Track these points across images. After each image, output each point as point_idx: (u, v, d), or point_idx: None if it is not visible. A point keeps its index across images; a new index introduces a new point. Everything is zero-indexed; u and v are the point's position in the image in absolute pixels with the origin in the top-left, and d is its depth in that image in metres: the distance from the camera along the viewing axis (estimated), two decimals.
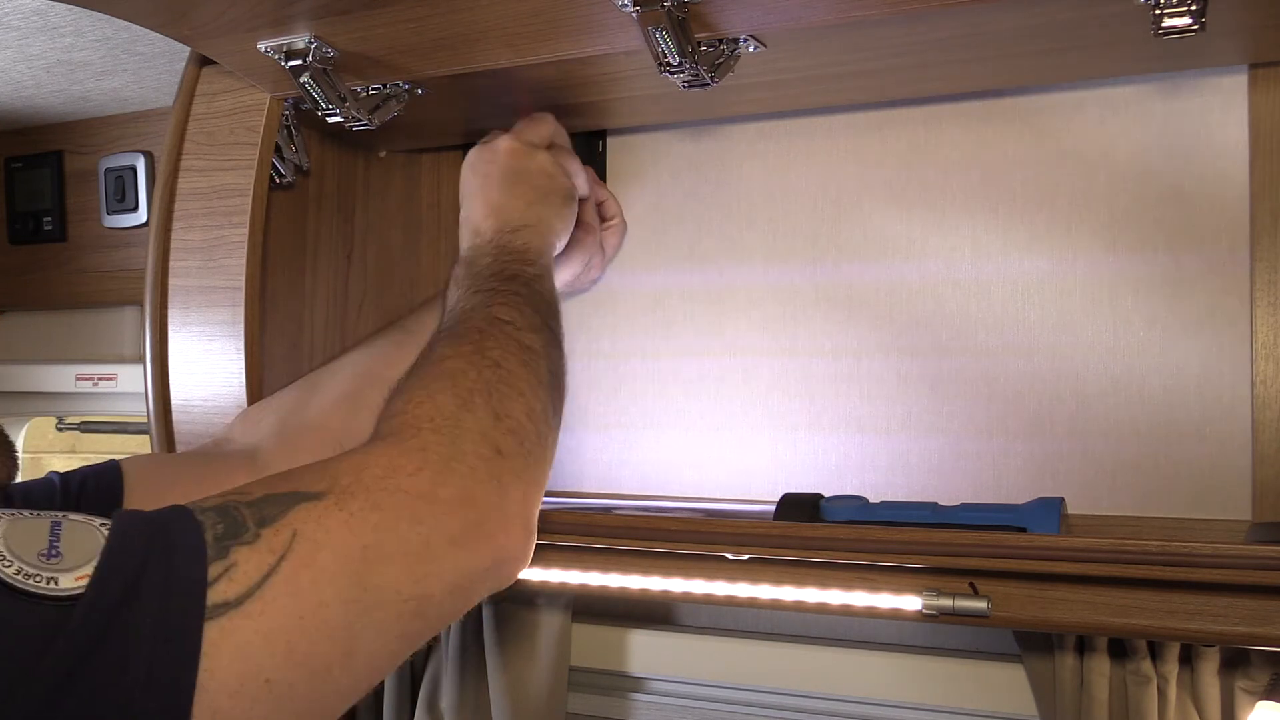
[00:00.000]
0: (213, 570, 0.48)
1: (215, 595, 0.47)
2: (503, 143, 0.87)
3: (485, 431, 0.63)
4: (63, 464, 1.13)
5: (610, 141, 1.04)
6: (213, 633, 0.47)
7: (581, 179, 0.91)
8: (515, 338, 0.72)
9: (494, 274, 0.78)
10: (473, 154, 0.88)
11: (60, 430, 1.57)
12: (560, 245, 0.89)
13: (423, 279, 1.14)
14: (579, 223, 0.94)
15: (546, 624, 1.00)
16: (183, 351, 0.92)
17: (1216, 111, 0.83)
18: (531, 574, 0.87)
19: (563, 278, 0.95)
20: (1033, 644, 0.83)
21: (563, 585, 0.87)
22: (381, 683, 1.07)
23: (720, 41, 0.77)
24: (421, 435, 0.61)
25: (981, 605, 0.71)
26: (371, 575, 0.53)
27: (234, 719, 0.47)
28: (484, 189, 0.85)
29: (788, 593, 0.78)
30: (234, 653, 0.47)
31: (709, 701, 1.01)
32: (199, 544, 0.49)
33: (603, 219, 1.00)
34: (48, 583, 0.45)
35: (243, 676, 0.47)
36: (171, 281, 0.93)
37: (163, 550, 0.48)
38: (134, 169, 1.23)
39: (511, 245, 0.81)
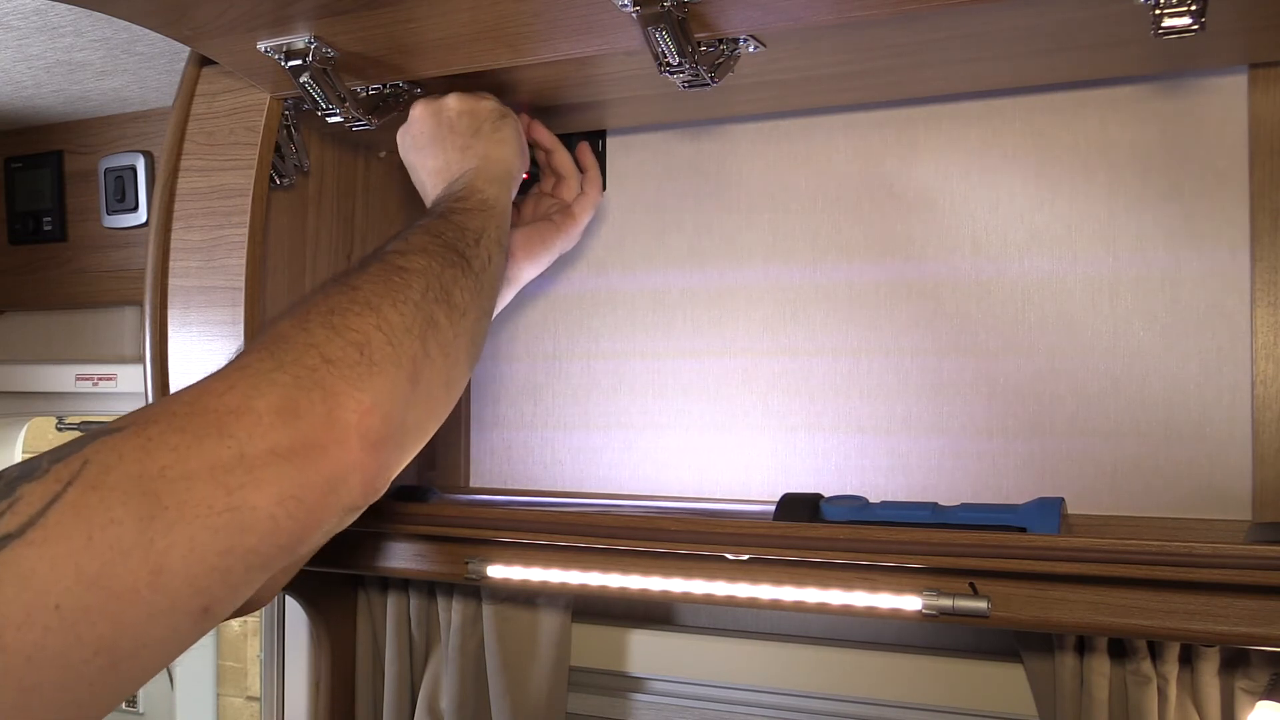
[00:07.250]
0: None
1: None
2: (413, 111, 0.88)
3: (315, 344, 0.61)
4: None
5: (610, 141, 1.04)
6: None
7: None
8: (391, 262, 0.70)
9: (422, 216, 0.78)
10: (398, 139, 0.89)
11: (60, 430, 1.56)
12: (520, 165, 0.87)
13: None
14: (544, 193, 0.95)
15: (546, 624, 1.00)
16: (183, 351, 0.92)
17: (1216, 111, 0.83)
18: (531, 574, 0.87)
19: (537, 252, 0.93)
20: (1033, 644, 0.83)
21: (563, 585, 0.87)
22: (381, 681, 1.07)
23: (720, 41, 0.77)
24: (245, 357, 0.61)
25: (981, 605, 0.71)
26: (171, 491, 0.51)
27: (26, 653, 0.45)
28: (420, 162, 0.87)
29: (788, 593, 0.78)
30: (18, 582, 0.46)
31: (709, 701, 1.01)
32: None
33: (561, 179, 0.98)
34: None
35: (29, 606, 0.46)
36: (171, 281, 0.93)
37: None
38: (134, 169, 1.23)
39: (451, 192, 0.81)
